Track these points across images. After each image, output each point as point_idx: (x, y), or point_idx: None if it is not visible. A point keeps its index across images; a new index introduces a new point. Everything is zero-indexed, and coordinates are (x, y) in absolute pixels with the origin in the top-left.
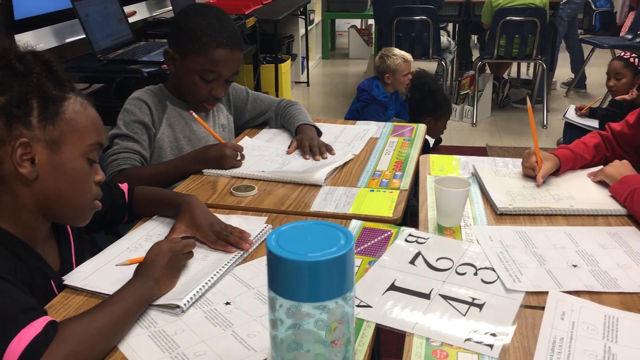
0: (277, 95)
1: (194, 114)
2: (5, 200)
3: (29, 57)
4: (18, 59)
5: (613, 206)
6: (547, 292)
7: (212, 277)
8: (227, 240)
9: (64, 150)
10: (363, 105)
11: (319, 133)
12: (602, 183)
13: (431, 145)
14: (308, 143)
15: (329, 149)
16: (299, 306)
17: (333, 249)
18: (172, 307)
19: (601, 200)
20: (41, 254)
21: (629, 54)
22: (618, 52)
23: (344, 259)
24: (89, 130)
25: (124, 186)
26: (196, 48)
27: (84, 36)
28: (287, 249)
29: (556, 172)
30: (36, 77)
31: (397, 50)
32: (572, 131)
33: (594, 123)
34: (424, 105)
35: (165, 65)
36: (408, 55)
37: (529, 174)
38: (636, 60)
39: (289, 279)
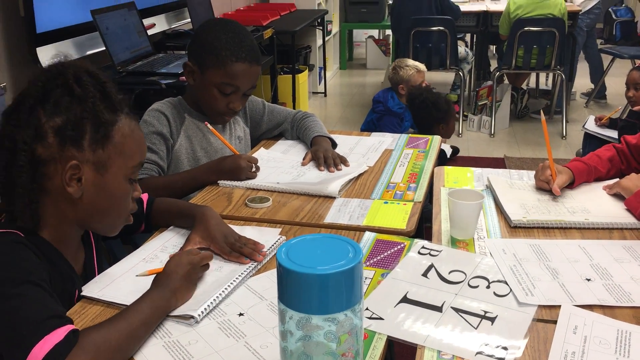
0: (294, 106)
1: (209, 125)
2: (50, 212)
3: (86, 78)
4: (76, 80)
5: (628, 219)
6: (559, 306)
7: (226, 288)
8: (241, 251)
9: (109, 172)
10: (378, 117)
11: (334, 145)
12: (618, 196)
13: (448, 156)
14: (323, 155)
15: (343, 161)
16: (309, 318)
17: (342, 262)
18: (186, 318)
19: (616, 213)
20: (72, 262)
21: None
22: (638, 62)
23: (352, 272)
24: (134, 152)
25: (144, 196)
26: (215, 62)
27: (104, 49)
28: (296, 262)
29: (570, 185)
30: (92, 101)
31: (410, 61)
32: (591, 142)
33: (614, 134)
34: (433, 118)
35: (183, 77)
36: (421, 66)
37: (544, 187)
38: None
39: (299, 292)
